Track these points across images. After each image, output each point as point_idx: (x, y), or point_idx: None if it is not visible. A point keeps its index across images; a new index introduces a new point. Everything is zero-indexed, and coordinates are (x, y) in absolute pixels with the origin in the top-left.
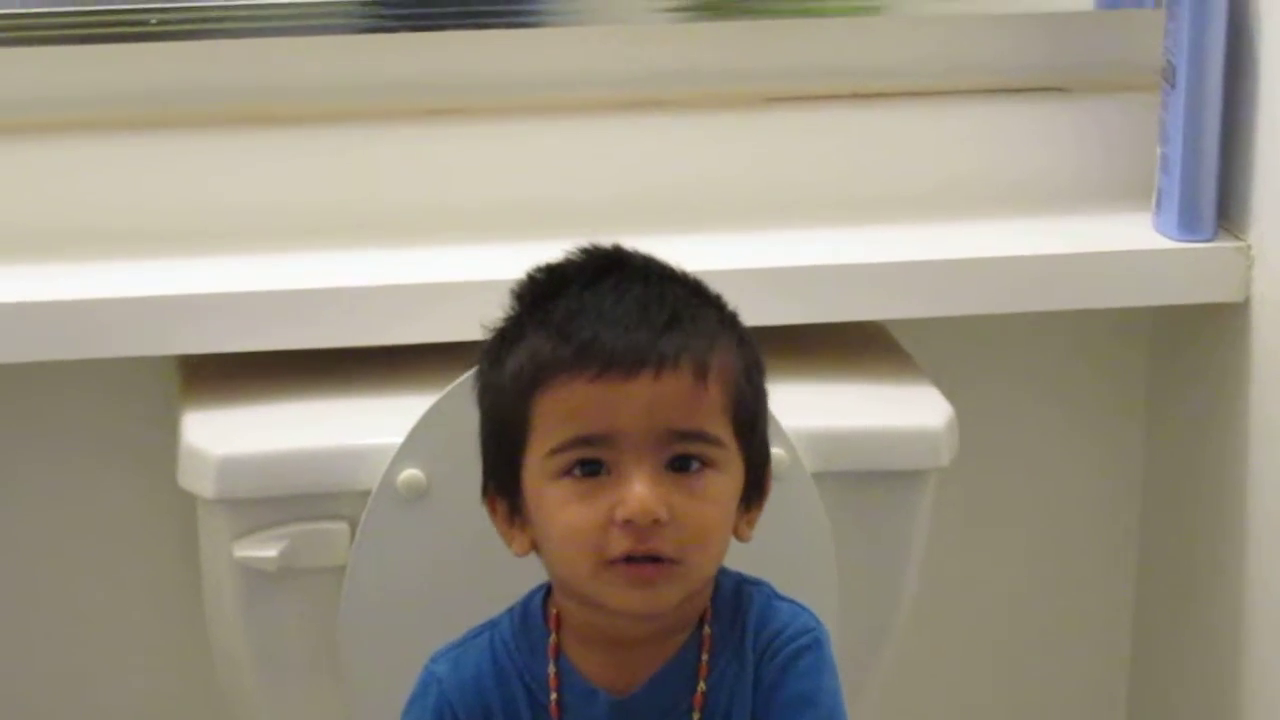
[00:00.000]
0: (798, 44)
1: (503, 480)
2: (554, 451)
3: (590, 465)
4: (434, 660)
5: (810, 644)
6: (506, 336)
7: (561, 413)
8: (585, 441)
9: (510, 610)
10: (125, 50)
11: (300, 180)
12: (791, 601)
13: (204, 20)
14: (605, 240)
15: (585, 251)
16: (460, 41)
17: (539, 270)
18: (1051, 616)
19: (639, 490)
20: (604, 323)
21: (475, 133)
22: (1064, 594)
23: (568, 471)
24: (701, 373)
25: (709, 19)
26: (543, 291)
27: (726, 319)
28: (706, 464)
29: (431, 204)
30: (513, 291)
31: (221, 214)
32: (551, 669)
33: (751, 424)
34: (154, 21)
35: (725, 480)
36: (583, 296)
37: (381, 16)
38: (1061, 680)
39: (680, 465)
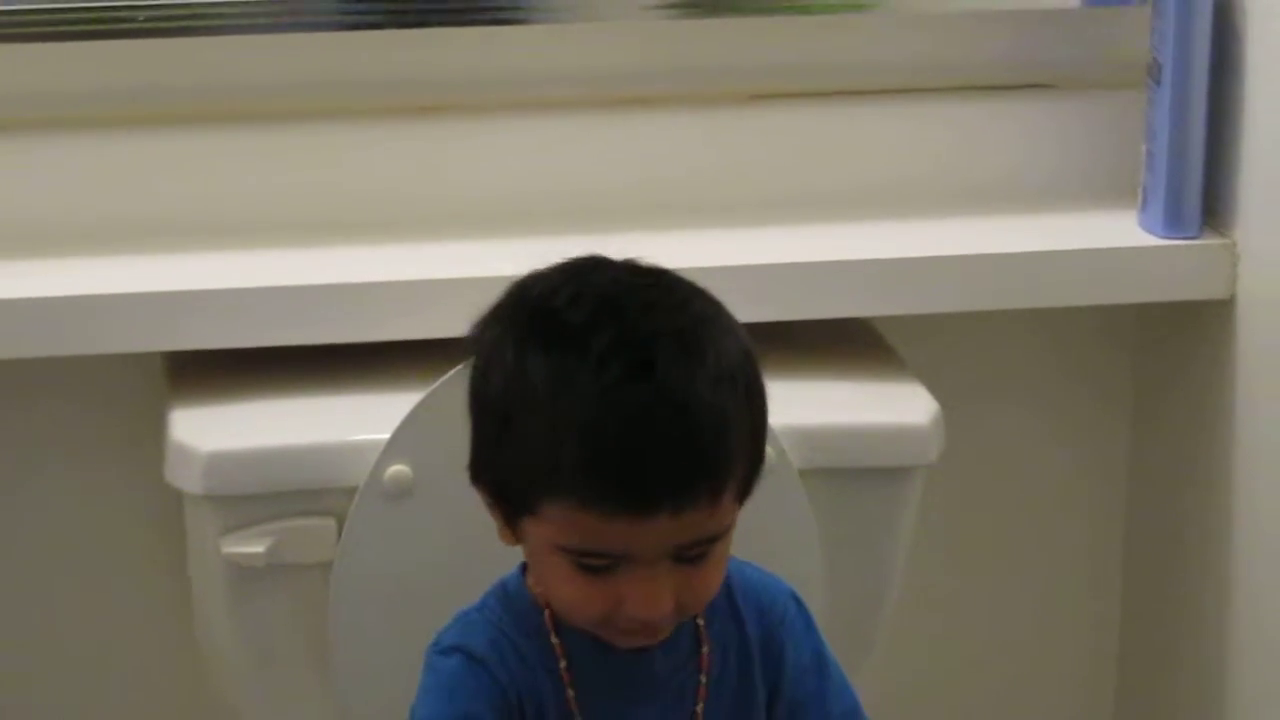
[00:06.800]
0: (783, 41)
1: (497, 498)
2: (558, 548)
3: (596, 565)
4: (439, 639)
5: (796, 597)
6: (510, 395)
7: (568, 528)
8: (592, 553)
9: (489, 595)
10: (112, 47)
11: (287, 177)
12: (749, 564)
13: (191, 17)
14: (608, 251)
15: (600, 317)
16: (446, 38)
17: (552, 320)
18: (1038, 613)
19: (648, 601)
20: (624, 457)
21: (461, 130)
22: (1050, 591)
23: (572, 561)
24: (717, 494)
25: (694, 16)
26: (559, 363)
27: (741, 387)
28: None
29: (416, 201)
30: (515, 305)
31: (207, 211)
32: (555, 640)
33: (754, 471)
34: (141, 18)
35: (728, 538)
36: (604, 424)
37: (369, 13)
38: (1048, 677)
39: (688, 558)
